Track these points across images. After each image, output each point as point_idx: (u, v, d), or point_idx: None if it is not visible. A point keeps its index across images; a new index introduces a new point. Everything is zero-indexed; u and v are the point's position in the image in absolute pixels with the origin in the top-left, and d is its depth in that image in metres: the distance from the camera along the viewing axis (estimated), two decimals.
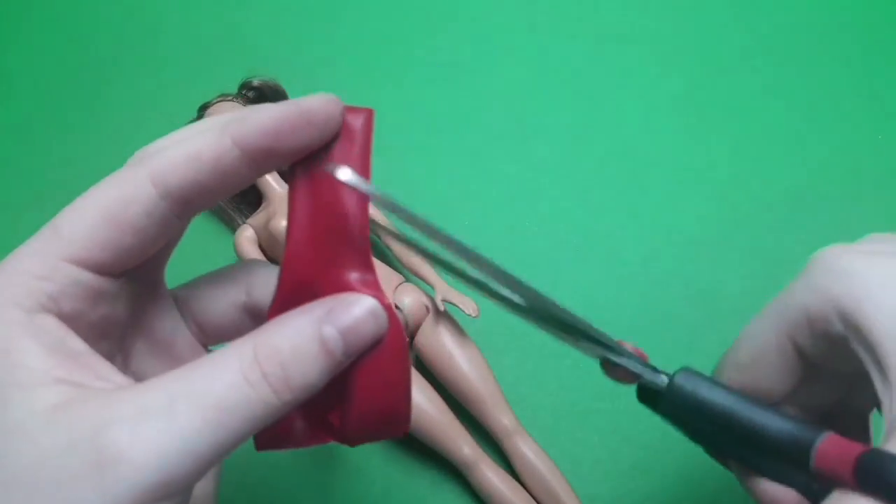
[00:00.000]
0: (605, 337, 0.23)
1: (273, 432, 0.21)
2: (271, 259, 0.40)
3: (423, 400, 0.36)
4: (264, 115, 0.19)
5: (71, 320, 0.18)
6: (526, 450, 0.37)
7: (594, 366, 0.41)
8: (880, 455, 0.18)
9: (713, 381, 0.23)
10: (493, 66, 0.51)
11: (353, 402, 0.20)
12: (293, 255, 0.20)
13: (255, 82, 0.44)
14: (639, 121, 0.48)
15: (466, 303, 0.37)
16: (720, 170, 0.47)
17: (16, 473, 0.16)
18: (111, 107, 0.49)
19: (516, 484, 0.36)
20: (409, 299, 0.38)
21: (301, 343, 0.18)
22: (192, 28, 0.52)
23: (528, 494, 0.36)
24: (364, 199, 0.20)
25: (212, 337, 0.24)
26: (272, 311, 0.21)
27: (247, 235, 0.41)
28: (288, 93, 0.45)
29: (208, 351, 0.24)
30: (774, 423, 0.22)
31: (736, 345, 0.25)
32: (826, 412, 0.25)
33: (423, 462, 0.38)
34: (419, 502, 0.38)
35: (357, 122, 0.21)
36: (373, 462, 0.38)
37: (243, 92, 0.44)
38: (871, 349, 0.20)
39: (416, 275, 0.39)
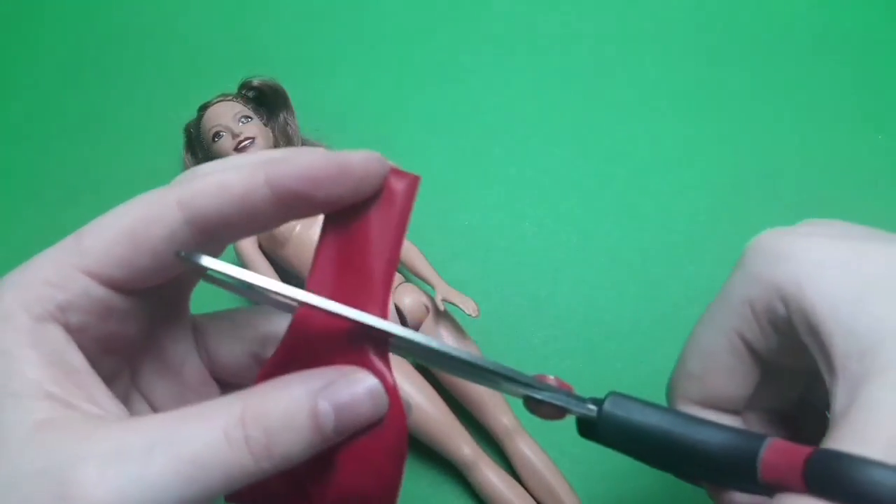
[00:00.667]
0: (522, 376, 0.22)
1: (246, 489, 0.19)
2: (270, 259, 0.40)
3: (423, 400, 0.36)
4: (302, 161, 0.18)
5: (77, 332, 0.18)
6: (526, 449, 0.37)
7: (593, 364, 0.41)
8: (828, 455, 0.17)
9: (644, 403, 0.22)
10: (493, 65, 0.51)
11: (333, 485, 0.19)
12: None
13: (255, 82, 0.44)
14: (639, 121, 0.48)
15: (466, 303, 0.37)
16: (720, 170, 0.47)
17: (9, 480, 0.16)
18: (111, 107, 0.49)
19: (516, 483, 0.36)
20: (409, 299, 0.38)
21: (292, 412, 0.17)
22: (193, 28, 0.52)
23: (528, 494, 0.36)
24: (392, 264, 0.19)
25: (221, 374, 0.23)
26: (270, 363, 0.20)
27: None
28: (288, 93, 0.45)
29: (218, 384, 0.23)
30: (714, 437, 0.20)
31: (685, 354, 0.23)
32: (788, 414, 0.24)
33: (423, 462, 0.38)
34: (419, 502, 0.38)
35: (400, 185, 0.21)
36: None
37: (243, 92, 0.44)
38: (816, 333, 0.19)
39: (416, 275, 0.39)
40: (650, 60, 0.51)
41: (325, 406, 0.17)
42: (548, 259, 0.44)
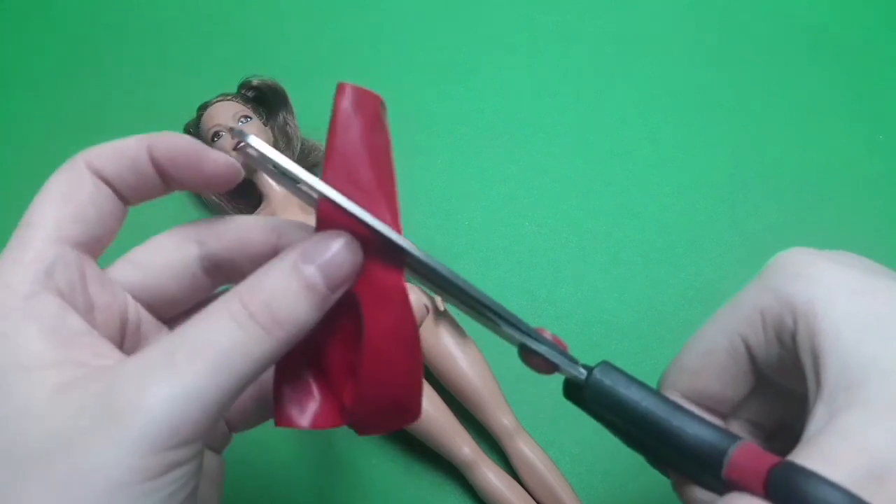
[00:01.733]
0: (523, 323, 0.22)
1: (289, 410, 0.21)
2: None
3: (423, 400, 0.36)
4: (169, 141, 0.21)
5: (70, 296, 0.19)
6: (526, 450, 0.37)
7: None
8: (791, 468, 0.18)
9: (633, 378, 0.22)
10: (493, 66, 0.51)
11: (360, 386, 0.20)
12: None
13: (255, 82, 0.44)
14: (639, 121, 0.48)
15: None
16: (720, 170, 0.47)
17: (28, 451, 0.16)
18: (110, 106, 0.49)
19: (516, 484, 0.36)
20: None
21: (282, 282, 0.19)
22: (192, 28, 0.52)
23: (527, 494, 0.36)
24: None
25: (169, 313, 0.24)
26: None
27: None
28: (288, 92, 0.45)
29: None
30: (691, 426, 0.21)
31: (684, 349, 0.24)
32: (772, 433, 0.25)
33: (423, 462, 0.38)
34: (419, 502, 0.38)
35: (347, 104, 0.22)
36: (372, 462, 0.38)
37: (243, 91, 0.44)
38: (815, 353, 0.19)
39: None
40: (650, 60, 0.50)
41: (308, 268, 0.19)
42: (548, 259, 0.44)
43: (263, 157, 0.20)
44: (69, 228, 0.20)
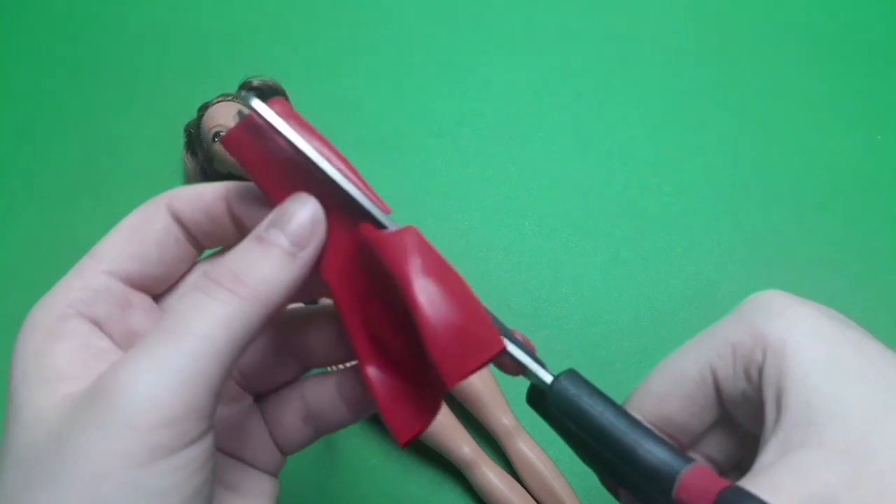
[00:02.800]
0: (495, 319, 0.22)
1: (403, 426, 0.21)
2: None
3: None
4: (248, 200, 0.21)
5: (106, 325, 0.20)
6: (526, 449, 0.37)
7: (593, 366, 0.41)
8: (739, 493, 0.18)
9: (597, 390, 0.22)
10: (493, 66, 0.50)
11: (422, 329, 0.19)
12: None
13: (255, 82, 0.44)
14: (639, 121, 0.48)
15: None
16: (721, 170, 0.47)
17: (35, 456, 0.17)
18: (111, 107, 0.49)
19: (516, 483, 0.36)
20: None
21: (243, 249, 0.19)
22: (193, 28, 0.52)
23: (527, 494, 0.36)
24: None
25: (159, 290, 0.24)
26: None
27: None
28: (288, 93, 0.45)
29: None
30: (646, 444, 0.20)
31: (652, 374, 0.24)
32: (725, 471, 0.25)
33: (424, 462, 0.38)
34: (419, 502, 0.38)
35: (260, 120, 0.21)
36: (373, 462, 0.38)
37: (243, 92, 0.44)
38: (780, 390, 0.20)
39: None
40: (651, 61, 0.50)
41: (270, 232, 0.19)
42: (548, 259, 0.44)
43: (266, 123, 0.20)
44: (125, 264, 0.20)
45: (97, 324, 0.20)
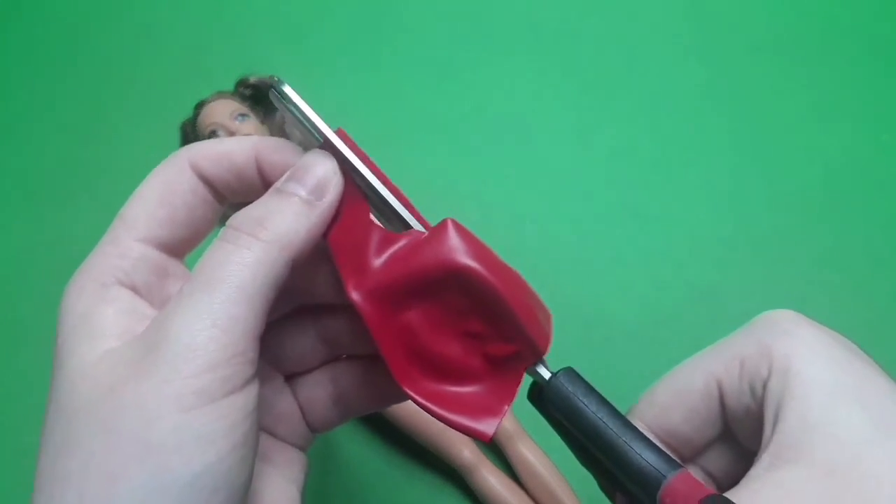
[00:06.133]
0: None
1: (474, 422, 0.21)
2: None
3: None
4: (286, 153, 0.22)
5: (145, 293, 0.21)
6: (527, 452, 0.36)
7: (594, 367, 0.41)
8: (721, 500, 0.19)
9: (594, 389, 0.22)
10: (493, 65, 0.50)
11: (511, 308, 0.21)
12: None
13: (252, 80, 0.44)
14: (640, 121, 0.48)
15: None
16: (723, 171, 0.46)
17: (79, 404, 0.18)
18: (107, 105, 0.49)
19: (517, 487, 0.36)
20: None
21: (264, 200, 0.20)
22: (189, 26, 0.52)
23: (528, 497, 0.36)
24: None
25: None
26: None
27: None
28: None
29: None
30: (638, 446, 0.21)
31: (658, 384, 0.25)
32: (723, 489, 0.25)
33: (424, 465, 0.38)
34: None
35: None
36: (373, 466, 0.38)
37: (240, 89, 0.44)
38: (779, 406, 0.20)
39: None
40: (652, 60, 0.50)
41: (288, 184, 0.20)
42: (548, 259, 0.44)
43: (294, 108, 0.21)
44: (158, 231, 0.21)
45: (137, 292, 0.20)
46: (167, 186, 0.21)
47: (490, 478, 0.36)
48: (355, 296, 0.21)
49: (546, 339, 0.21)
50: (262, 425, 0.23)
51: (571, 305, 0.42)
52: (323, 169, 0.21)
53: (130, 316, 0.20)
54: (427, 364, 0.21)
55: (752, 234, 0.44)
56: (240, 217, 0.20)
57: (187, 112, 0.44)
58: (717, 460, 0.24)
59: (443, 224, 0.21)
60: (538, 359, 0.22)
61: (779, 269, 0.43)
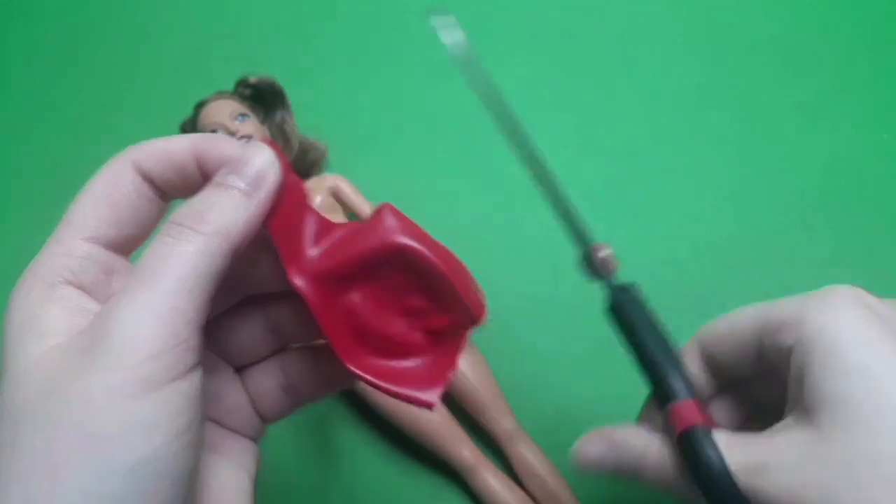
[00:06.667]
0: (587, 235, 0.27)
1: (419, 391, 0.22)
2: None
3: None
4: (225, 149, 0.22)
5: (92, 290, 0.21)
6: (527, 453, 0.36)
7: (595, 368, 0.41)
8: (701, 432, 0.23)
9: (648, 312, 0.29)
10: (493, 65, 0.50)
11: (449, 281, 0.22)
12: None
13: (252, 80, 0.43)
14: (640, 121, 0.48)
15: None
16: (724, 171, 0.46)
17: (24, 402, 0.18)
18: (107, 104, 0.49)
19: (517, 487, 0.36)
20: None
21: (203, 193, 0.21)
22: (189, 25, 0.52)
23: (528, 498, 0.36)
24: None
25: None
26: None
27: None
28: (285, 91, 0.44)
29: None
30: (666, 365, 0.26)
31: (722, 317, 0.28)
32: (746, 419, 0.28)
33: (424, 466, 0.38)
34: None
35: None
36: (373, 466, 0.38)
37: (240, 89, 0.44)
38: (813, 378, 0.22)
39: None
40: (653, 59, 0.50)
41: (227, 176, 0.21)
42: (549, 259, 0.43)
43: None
44: (103, 230, 0.21)
45: (84, 290, 0.21)
46: (111, 186, 0.22)
47: (490, 478, 0.36)
48: (297, 281, 0.21)
49: (481, 308, 0.23)
50: (213, 416, 0.24)
51: (572, 305, 0.42)
52: (261, 160, 0.21)
53: (77, 313, 0.20)
54: (371, 342, 0.23)
55: (752, 234, 0.44)
56: (180, 212, 0.20)
57: (188, 111, 0.44)
58: (725, 410, 0.28)
59: (380, 208, 0.22)
60: (475, 326, 0.23)
61: (780, 269, 0.43)
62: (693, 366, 0.28)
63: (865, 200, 0.45)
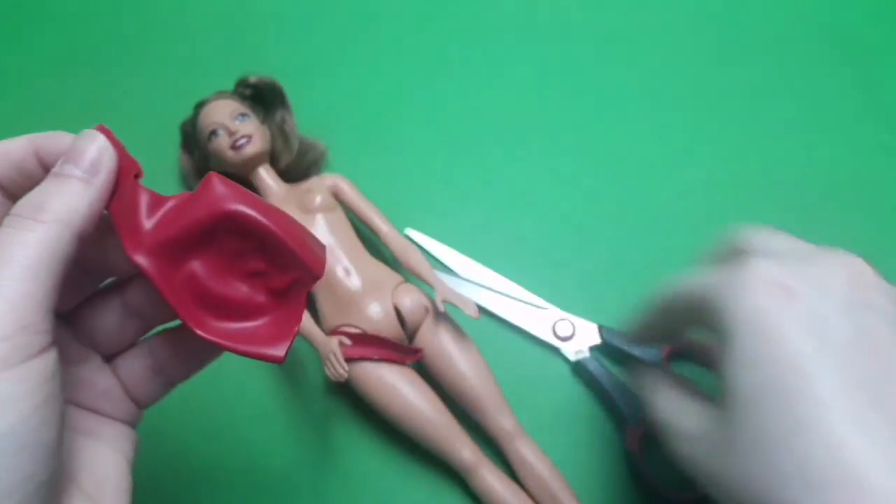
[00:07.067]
0: None
1: (266, 348, 0.23)
2: None
3: (424, 403, 0.36)
4: (62, 142, 0.23)
5: None
6: (527, 453, 0.36)
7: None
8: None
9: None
10: (493, 64, 0.50)
11: (285, 243, 0.23)
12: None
13: (252, 80, 0.43)
14: (640, 120, 0.48)
15: (466, 304, 0.37)
16: (723, 170, 0.46)
17: None
18: (107, 103, 0.49)
19: (517, 487, 0.36)
20: (408, 300, 0.38)
21: (40, 186, 0.22)
22: (190, 25, 0.52)
23: (529, 498, 0.36)
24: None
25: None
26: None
27: None
28: (286, 90, 0.44)
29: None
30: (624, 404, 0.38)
31: (654, 293, 0.31)
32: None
33: (423, 466, 0.38)
34: None
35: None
36: (372, 466, 0.38)
37: (240, 89, 0.44)
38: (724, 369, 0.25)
39: (415, 275, 0.38)
40: (652, 59, 0.50)
41: (63, 166, 0.22)
42: (548, 259, 0.43)
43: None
44: None
45: None
46: None
47: (490, 478, 0.36)
48: (137, 258, 0.22)
49: (320, 264, 0.24)
50: (87, 404, 0.25)
51: (572, 305, 0.42)
52: (96, 147, 0.22)
53: None
54: (216, 308, 0.24)
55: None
56: (19, 204, 0.21)
57: (187, 111, 0.44)
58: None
59: (207, 177, 0.23)
60: (315, 281, 0.24)
61: None
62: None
63: (866, 201, 0.45)
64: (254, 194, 0.23)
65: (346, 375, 0.35)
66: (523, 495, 0.36)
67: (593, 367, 0.39)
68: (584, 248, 0.44)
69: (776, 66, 0.50)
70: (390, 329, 0.38)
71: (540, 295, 0.42)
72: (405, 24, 0.51)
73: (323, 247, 0.24)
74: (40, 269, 0.20)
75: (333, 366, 0.35)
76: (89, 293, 0.26)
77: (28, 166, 0.23)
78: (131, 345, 0.26)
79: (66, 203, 0.21)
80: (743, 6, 0.52)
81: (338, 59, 0.50)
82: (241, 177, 0.41)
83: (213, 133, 0.41)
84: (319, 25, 0.51)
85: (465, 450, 0.36)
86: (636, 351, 0.39)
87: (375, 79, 0.50)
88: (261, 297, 0.24)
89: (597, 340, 0.40)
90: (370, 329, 0.37)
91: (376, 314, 0.37)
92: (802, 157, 0.47)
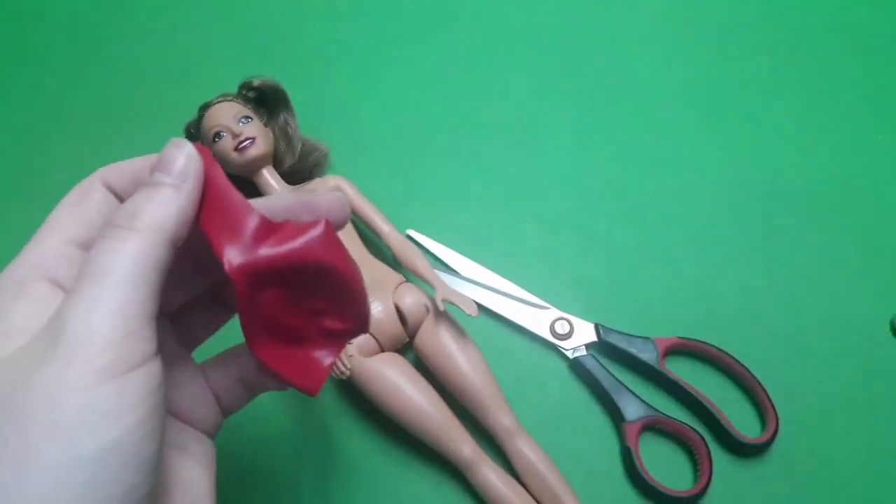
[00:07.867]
0: None
1: (306, 379, 0.25)
2: None
3: (424, 400, 0.36)
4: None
5: (66, 284, 0.22)
6: (526, 450, 0.37)
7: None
8: None
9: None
10: (493, 64, 0.50)
11: (353, 292, 0.24)
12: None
13: (255, 82, 0.44)
14: (640, 120, 0.48)
15: (467, 303, 0.37)
16: (720, 170, 0.47)
17: None
18: (111, 106, 0.49)
19: (517, 484, 0.36)
20: (409, 299, 0.38)
21: (134, 196, 0.22)
22: (193, 28, 0.52)
23: (528, 494, 0.36)
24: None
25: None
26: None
27: None
28: (288, 93, 0.45)
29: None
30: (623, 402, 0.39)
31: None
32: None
33: (424, 462, 0.38)
34: (419, 502, 0.37)
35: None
36: (373, 462, 0.38)
37: (243, 92, 0.44)
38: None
39: (416, 275, 0.39)
40: (651, 59, 0.50)
41: (154, 175, 0.23)
42: (548, 259, 0.44)
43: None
44: (76, 231, 0.23)
45: (59, 285, 0.22)
46: (82, 196, 0.24)
47: (490, 475, 0.36)
48: (232, 273, 0.23)
49: (368, 321, 0.25)
50: (177, 409, 0.25)
51: (571, 305, 0.42)
52: (184, 155, 0.23)
53: (41, 309, 0.21)
54: (273, 332, 0.24)
55: (748, 233, 0.45)
56: (115, 214, 0.22)
57: (191, 114, 0.44)
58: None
59: (315, 223, 0.23)
60: (360, 335, 0.25)
61: (775, 268, 0.43)
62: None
63: (859, 201, 0.46)
64: (345, 246, 0.24)
65: (348, 373, 0.35)
66: (522, 491, 0.36)
67: (590, 364, 0.39)
68: (583, 248, 0.44)
69: (770, 67, 0.50)
70: (391, 328, 0.38)
71: (538, 294, 0.42)
72: (407, 27, 0.52)
73: (370, 307, 0.26)
74: (138, 277, 0.20)
75: (335, 363, 0.35)
76: (192, 295, 0.26)
77: (142, 178, 0.23)
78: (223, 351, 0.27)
79: (158, 210, 0.21)
80: (738, 8, 0.52)
81: (340, 62, 0.50)
82: (245, 178, 0.42)
83: (217, 135, 0.41)
84: (322, 28, 0.52)
85: (465, 446, 0.36)
86: (633, 349, 0.39)
87: (377, 81, 0.50)
88: (311, 332, 0.25)
89: (594, 338, 0.40)
90: (371, 328, 0.37)
91: (377, 313, 0.38)
92: (802, 158, 0.47)
